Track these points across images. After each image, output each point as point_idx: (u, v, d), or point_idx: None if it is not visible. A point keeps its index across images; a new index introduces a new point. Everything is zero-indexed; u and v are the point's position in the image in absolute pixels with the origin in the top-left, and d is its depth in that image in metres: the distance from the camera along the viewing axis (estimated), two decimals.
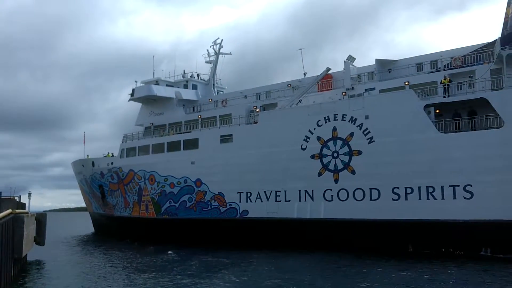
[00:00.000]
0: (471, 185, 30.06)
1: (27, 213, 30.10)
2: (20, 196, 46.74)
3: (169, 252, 35.62)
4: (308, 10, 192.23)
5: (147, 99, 52.61)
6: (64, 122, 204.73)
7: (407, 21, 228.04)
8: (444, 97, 32.36)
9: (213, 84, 55.92)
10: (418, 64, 37.81)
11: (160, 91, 51.26)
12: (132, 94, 52.88)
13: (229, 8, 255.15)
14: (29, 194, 56.33)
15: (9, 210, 23.47)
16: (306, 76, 45.01)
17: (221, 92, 56.99)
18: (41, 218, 34.83)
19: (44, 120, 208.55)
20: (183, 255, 34.52)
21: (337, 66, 42.33)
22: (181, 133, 47.88)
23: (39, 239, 33.81)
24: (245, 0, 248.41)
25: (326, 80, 41.78)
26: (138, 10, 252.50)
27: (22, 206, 38.46)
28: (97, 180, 56.89)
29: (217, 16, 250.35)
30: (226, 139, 42.67)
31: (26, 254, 29.78)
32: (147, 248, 40.13)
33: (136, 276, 25.57)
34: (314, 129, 37.07)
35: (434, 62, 37.09)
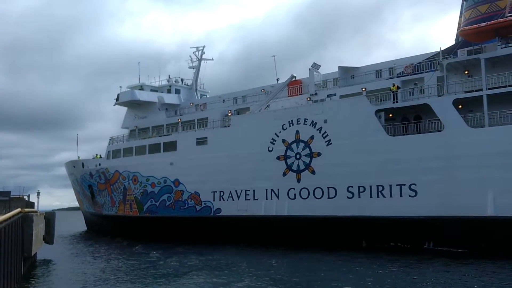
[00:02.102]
0: (415, 184, 32.63)
1: (36, 212, 30.20)
2: (29, 195, 49.09)
3: (136, 247, 38.85)
4: (313, 10, 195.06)
5: (132, 104, 55.47)
6: (73, 122, 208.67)
7: (411, 20, 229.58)
8: (393, 102, 34.88)
9: (196, 89, 58.75)
10: (377, 71, 40.34)
11: (143, 96, 54.11)
12: (117, 99, 55.75)
13: (235, 7, 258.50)
14: (38, 193, 59.20)
15: (18, 209, 23.82)
16: (279, 82, 47.65)
17: (205, 96, 59.73)
18: (49, 217, 35.06)
19: (52, 120, 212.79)
20: (149, 248, 38.50)
21: (342, 65, 43.76)
22: (162, 135, 50.62)
23: (48, 237, 34.15)
24: None
25: (295, 85, 44.45)
26: (145, 11, 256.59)
27: (31, 205, 40.46)
28: (86, 181, 59.75)
29: (223, 15, 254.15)
30: (201, 141, 45.39)
31: (36, 253, 29.85)
32: (122, 242, 43.45)
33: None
34: (280, 132, 39.70)
35: (392, 69, 39.62)
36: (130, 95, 54.11)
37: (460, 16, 40.20)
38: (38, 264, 30.71)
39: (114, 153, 54.92)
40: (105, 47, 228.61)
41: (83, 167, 59.97)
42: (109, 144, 56.51)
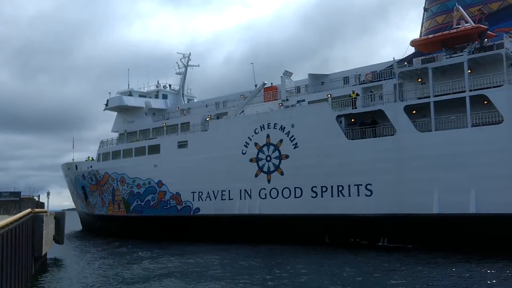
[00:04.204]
0: (370, 184, 35.17)
1: (46, 212, 30.37)
2: (39, 195, 51.04)
3: (115, 243, 41.77)
4: (320, 10, 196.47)
5: (120, 109, 58.33)
6: (82, 123, 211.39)
7: (418, 19, 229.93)
8: (352, 108, 37.42)
9: (183, 94, 61.52)
10: (345, 77, 42.83)
11: (131, 101, 56.98)
12: (106, 104, 58.68)
13: (243, 8, 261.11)
14: (48, 194, 61.76)
15: (29, 210, 23.96)
16: (257, 88, 50.21)
17: (192, 100, 62.52)
18: (59, 217, 35.01)
19: (62, 122, 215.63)
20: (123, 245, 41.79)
21: (347, 65, 46.47)
22: (148, 139, 53.42)
23: (58, 237, 34.24)
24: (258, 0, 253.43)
25: (271, 91, 47.07)
26: (154, 13, 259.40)
27: (41, 205, 41.91)
28: (80, 182, 62.69)
29: (231, 16, 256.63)
30: (182, 145, 48.17)
31: (46, 253, 29.74)
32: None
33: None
34: (252, 136, 42.37)
35: (357, 76, 42.11)
36: (118, 100, 56.99)
37: (422, 26, 42.78)
38: (48, 264, 30.85)
39: (104, 156, 57.79)
40: (114, 49, 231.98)
41: (76, 169, 62.90)
42: (99, 147, 59.44)
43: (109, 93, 59.27)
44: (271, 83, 47.65)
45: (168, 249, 37.30)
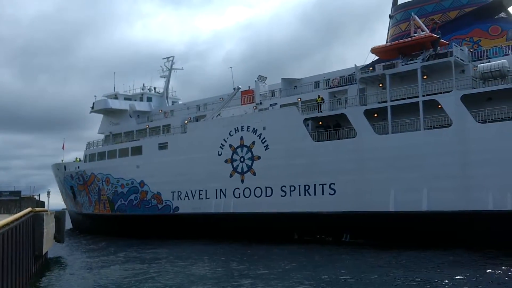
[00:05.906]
0: (334, 184, 37.33)
1: (46, 211, 30.36)
2: (39, 194, 52.15)
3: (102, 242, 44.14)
4: (318, 9, 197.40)
5: (106, 111, 60.43)
6: (83, 122, 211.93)
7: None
8: (318, 112, 39.55)
9: (167, 96, 63.62)
10: (315, 82, 44.94)
11: (115, 104, 59.09)
12: (92, 107, 60.78)
13: (244, 7, 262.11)
14: (48, 193, 63.43)
15: (29, 209, 24.11)
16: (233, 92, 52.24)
17: (176, 103, 64.58)
18: (60, 216, 35.14)
19: (63, 121, 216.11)
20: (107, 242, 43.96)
21: (346, 64, 48.10)
22: (131, 141, 55.50)
23: (59, 236, 34.33)
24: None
25: (248, 95, 49.15)
26: (155, 13, 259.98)
27: (42, 204, 42.59)
28: (68, 182, 64.77)
29: (231, 16, 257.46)
30: (163, 146, 50.29)
31: (47, 252, 30.00)
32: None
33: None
34: (227, 138, 44.48)
35: (327, 80, 44.22)
36: (104, 103, 59.12)
37: (388, 32, 44.90)
38: (49, 263, 31.14)
39: (91, 157, 59.87)
40: (115, 48, 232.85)
41: (65, 169, 64.97)
42: (86, 149, 61.52)
43: (95, 96, 61.43)
44: (249, 87, 49.72)
45: (159, 247, 39.17)
